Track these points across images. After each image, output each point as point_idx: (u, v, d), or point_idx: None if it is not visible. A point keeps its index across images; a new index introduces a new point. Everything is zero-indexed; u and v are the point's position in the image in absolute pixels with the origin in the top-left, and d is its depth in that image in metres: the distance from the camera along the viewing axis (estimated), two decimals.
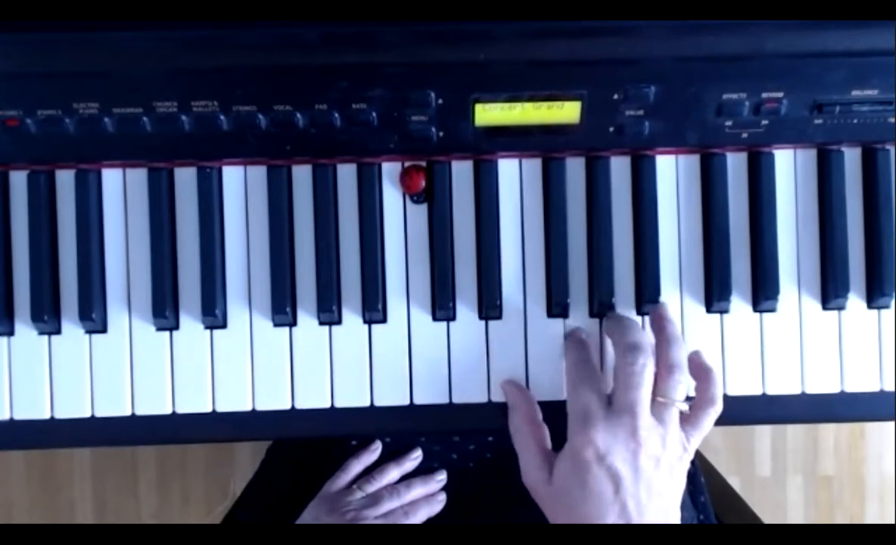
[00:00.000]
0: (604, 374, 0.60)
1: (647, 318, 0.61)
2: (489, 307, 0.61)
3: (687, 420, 0.57)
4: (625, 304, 0.61)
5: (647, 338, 0.57)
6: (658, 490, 0.54)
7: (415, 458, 0.76)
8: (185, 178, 0.61)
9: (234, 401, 0.61)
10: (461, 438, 0.77)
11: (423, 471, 0.76)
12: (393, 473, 0.76)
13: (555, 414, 0.60)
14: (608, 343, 0.60)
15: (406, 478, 0.76)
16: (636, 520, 0.54)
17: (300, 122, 0.55)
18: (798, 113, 0.57)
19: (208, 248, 0.60)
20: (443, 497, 0.75)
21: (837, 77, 0.55)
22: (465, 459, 0.77)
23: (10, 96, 0.54)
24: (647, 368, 0.55)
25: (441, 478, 0.76)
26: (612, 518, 0.54)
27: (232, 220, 0.61)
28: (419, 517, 0.74)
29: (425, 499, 0.75)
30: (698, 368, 0.58)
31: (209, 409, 0.61)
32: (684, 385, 0.56)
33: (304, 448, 0.82)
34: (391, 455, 0.77)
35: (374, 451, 0.77)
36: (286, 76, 0.54)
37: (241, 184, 0.61)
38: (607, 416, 0.55)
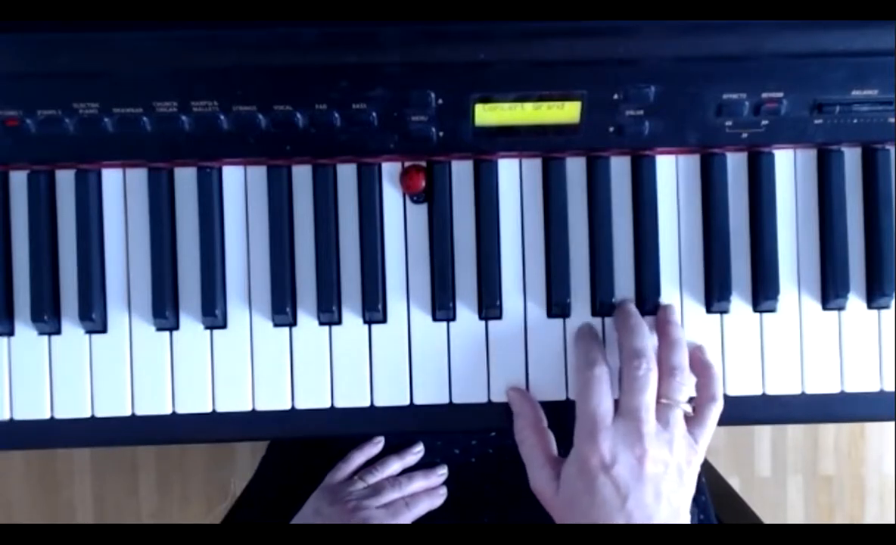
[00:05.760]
0: (612, 371, 0.59)
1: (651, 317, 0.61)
2: (489, 307, 0.61)
3: (691, 420, 0.57)
4: None
5: (651, 341, 0.58)
6: (666, 495, 0.54)
7: (416, 452, 0.77)
8: (185, 178, 0.61)
9: (234, 401, 0.61)
10: (463, 434, 0.77)
11: (424, 466, 0.77)
12: (395, 466, 0.76)
13: (557, 414, 0.60)
14: (614, 343, 0.60)
15: (407, 471, 0.76)
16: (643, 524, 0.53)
17: (300, 122, 0.55)
18: (798, 113, 0.57)
19: (208, 248, 0.60)
20: (444, 491, 0.76)
21: (837, 77, 0.55)
22: (467, 454, 0.77)
23: (10, 96, 0.54)
24: (650, 373, 0.55)
25: (442, 472, 0.76)
26: (619, 523, 0.53)
27: (232, 220, 0.61)
28: (420, 510, 0.74)
29: (426, 492, 0.75)
30: (699, 365, 0.59)
31: (209, 409, 0.61)
32: (687, 386, 0.56)
33: (304, 446, 0.82)
34: (393, 448, 0.77)
35: (377, 444, 0.78)
36: (286, 76, 0.54)
37: (241, 184, 0.61)
38: (614, 423, 0.55)
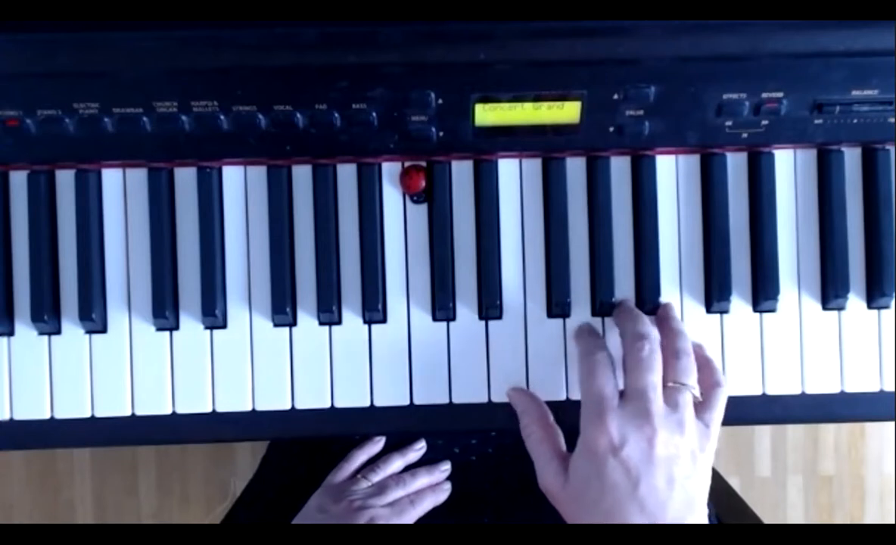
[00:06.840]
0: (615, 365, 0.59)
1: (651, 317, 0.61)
2: (489, 307, 0.61)
3: (700, 405, 0.56)
4: None
5: (654, 330, 0.57)
6: (680, 480, 0.53)
7: (418, 449, 0.77)
8: (185, 178, 0.61)
9: (234, 401, 0.61)
10: (463, 433, 0.77)
11: (425, 463, 0.77)
12: (397, 463, 0.76)
13: (557, 415, 0.60)
14: (614, 340, 0.60)
15: (410, 468, 0.76)
16: (657, 512, 0.52)
17: (300, 122, 0.56)
18: (798, 113, 0.57)
19: (208, 248, 0.60)
20: (448, 487, 0.75)
21: (837, 77, 0.55)
22: (467, 454, 0.77)
23: (10, 96, 0.54)
24: (654, 353, 0.55)
25: (445, 468, 0.76)
26: (631, 512, 0.52)
27: (232, 220, 0.61)
28: (425, 506, 0.74)
29: (430, 488, 0.75)
30: (700, 359, 0.58)
31: (209, 409, 0.61)
32: (693, 368, 0.56)
33: (304, 446, 0.82)
34: (394, 446, 0.77)
35: (378, 442, 0.77)
36: (286, 76, 0.54)
37: (241, 184, 0.61)
38: (621, 405, 0.54)
